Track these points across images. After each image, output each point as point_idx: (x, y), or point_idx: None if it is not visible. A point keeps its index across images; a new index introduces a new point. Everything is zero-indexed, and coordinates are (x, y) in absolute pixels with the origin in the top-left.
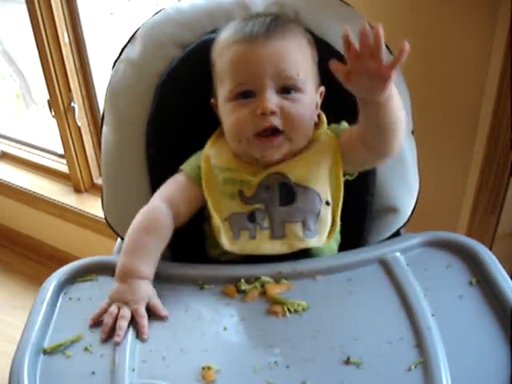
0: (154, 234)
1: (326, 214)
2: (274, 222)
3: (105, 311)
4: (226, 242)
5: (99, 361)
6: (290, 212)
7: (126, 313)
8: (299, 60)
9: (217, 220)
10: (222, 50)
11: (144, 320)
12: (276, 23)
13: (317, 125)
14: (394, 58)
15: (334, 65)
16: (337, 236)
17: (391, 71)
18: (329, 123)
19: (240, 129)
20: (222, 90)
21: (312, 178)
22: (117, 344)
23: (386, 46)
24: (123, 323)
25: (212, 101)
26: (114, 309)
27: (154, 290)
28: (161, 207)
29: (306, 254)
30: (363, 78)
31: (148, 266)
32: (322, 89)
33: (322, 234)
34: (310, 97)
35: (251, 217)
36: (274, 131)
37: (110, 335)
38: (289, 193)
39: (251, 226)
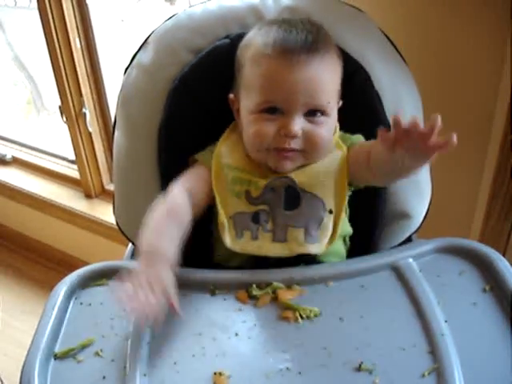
0: (176, 219)
1: (329, 222)
2: (277, 226)
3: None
4: (228, 239)
5: (110, 366)
6: (294, 217)
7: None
8: (332, 86)
9: (222, 216)
10: (256, 56)
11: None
12: (317, 43)
13: None
14: (441, 141)
15: (381, 135)
16: (346, 241)
17: (437, 148)
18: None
19: (260, 141)
20: (249, 100)
21: (318, 185)
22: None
23: (399, 54)
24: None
25: (231, 96)
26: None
27: (174, 278)
28: (181, 195)
29: (307, 258)
30: (408, 151)
31: (172, 250)
32: (340, 103)
33: (323, 241)
34: (333, 118)
35: (255, 217)
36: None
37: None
38: (294, 197)
39: (254, 227)
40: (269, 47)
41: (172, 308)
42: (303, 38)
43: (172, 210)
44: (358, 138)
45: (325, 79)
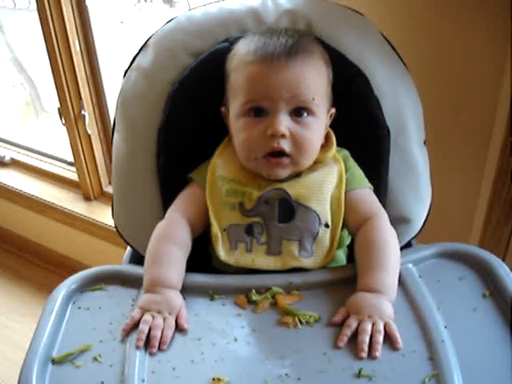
0: (176, 243)
1: (325, 236)
2: (272, 238)
3: (136, 321)
4: (222, 252)
5: (108, 371)
6: (288, 229)
7: (160, 322)
8: (316, 85)
9: (216, 228)
10: (239, 65)
11: (171, 332)
12: (297, 46)
13: (324, 145)
14: None
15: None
16: (346, 247)
17: None
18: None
19: (249, 148)
20: (235, 105)
21: (313, 199)
22: (152, 354)
23: (397, 55)
24: (158, 333)
25: (222, 109)
26: (149, 317)
27: (183, 300)
28: (178, 219)
29: (302, 270)
30: None
31: (176, 276)
32: (333, 111)
33: (319, 255)
34: (321, 121)
35: (249, 229)
36: (281, 153)
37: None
38: (288, 210)
39: (248, 239)
40: (250, 54)
41: (181, 328)
42: (283, 42)
43: (171, 236)
44: (360, 181)
45: (307, 77)
